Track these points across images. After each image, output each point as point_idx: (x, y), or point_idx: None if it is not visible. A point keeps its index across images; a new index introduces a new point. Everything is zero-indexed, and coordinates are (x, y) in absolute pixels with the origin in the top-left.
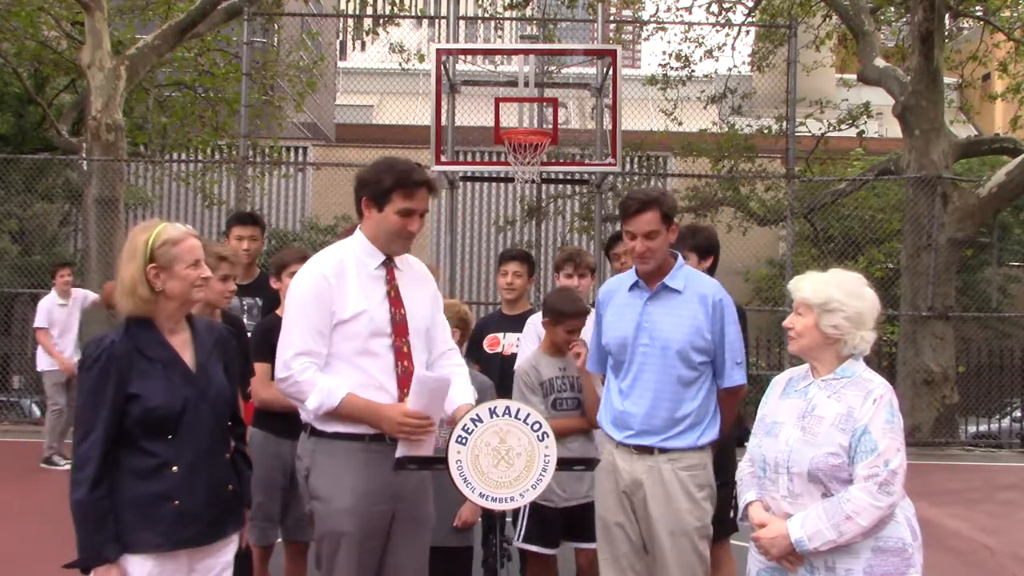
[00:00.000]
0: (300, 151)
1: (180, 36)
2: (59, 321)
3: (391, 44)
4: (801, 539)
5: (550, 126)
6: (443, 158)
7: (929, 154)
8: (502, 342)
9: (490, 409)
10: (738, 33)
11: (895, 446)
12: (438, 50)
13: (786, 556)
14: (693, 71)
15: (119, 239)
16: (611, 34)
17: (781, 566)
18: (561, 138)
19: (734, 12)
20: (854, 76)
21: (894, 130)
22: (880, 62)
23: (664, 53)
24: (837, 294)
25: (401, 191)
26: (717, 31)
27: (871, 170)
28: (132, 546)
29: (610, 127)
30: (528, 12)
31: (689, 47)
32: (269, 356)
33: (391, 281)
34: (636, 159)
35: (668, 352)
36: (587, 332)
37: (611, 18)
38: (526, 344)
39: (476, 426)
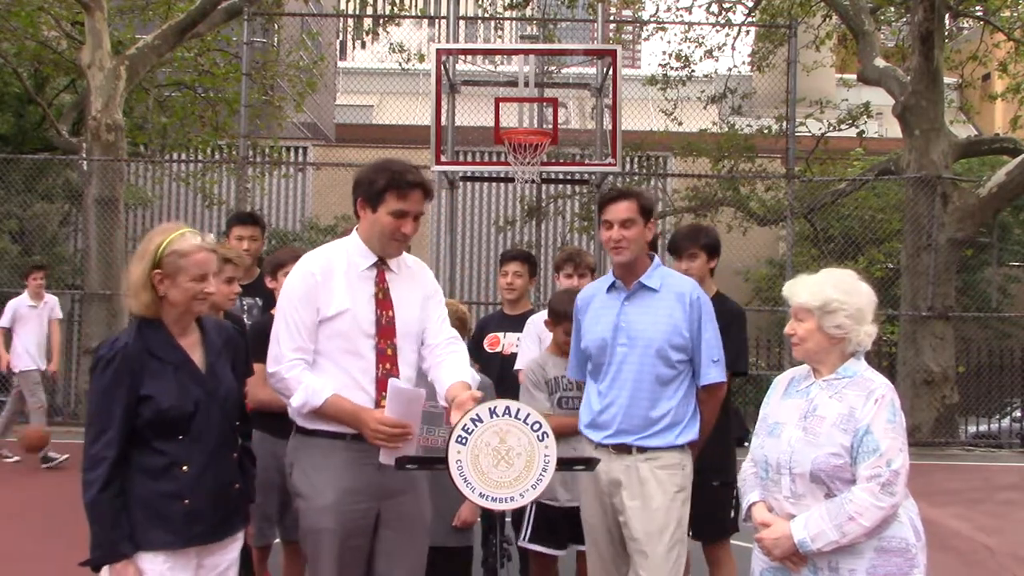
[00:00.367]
0: (300, 151)
1: (180, 36)
2: (25, 321)
3: (391, 44)
4: (804, 540)
5: (550, 126)
6: (443, 158)
7: (929, 154)
8: (502, 342)
9: (490, 409)
10: (738, 33)
11: (897, 446)
12: (438, 50)
13: (789, 557)
14: (693, 71)
15: (119, 239)
16: (611, 34)
17: (785, 566)
18: (561, 138)
19: (734, 12)
20: (854, 76)
21: (894, 130)
22: (880, 62)
23: (664, 53)
24: (835, 293)
25: (394, 192)
26: (717, 31)
27: (871, 170)
28: (144, 544)
29: (610, 127)
30: (528, 12)
31: (689, 47)
32: (265, 356)
33: (380, 283)
34: (636, 159)
35: (646, 351)
36: None
37: (611, 18)
38: (526, 344)
39: (476, 426)
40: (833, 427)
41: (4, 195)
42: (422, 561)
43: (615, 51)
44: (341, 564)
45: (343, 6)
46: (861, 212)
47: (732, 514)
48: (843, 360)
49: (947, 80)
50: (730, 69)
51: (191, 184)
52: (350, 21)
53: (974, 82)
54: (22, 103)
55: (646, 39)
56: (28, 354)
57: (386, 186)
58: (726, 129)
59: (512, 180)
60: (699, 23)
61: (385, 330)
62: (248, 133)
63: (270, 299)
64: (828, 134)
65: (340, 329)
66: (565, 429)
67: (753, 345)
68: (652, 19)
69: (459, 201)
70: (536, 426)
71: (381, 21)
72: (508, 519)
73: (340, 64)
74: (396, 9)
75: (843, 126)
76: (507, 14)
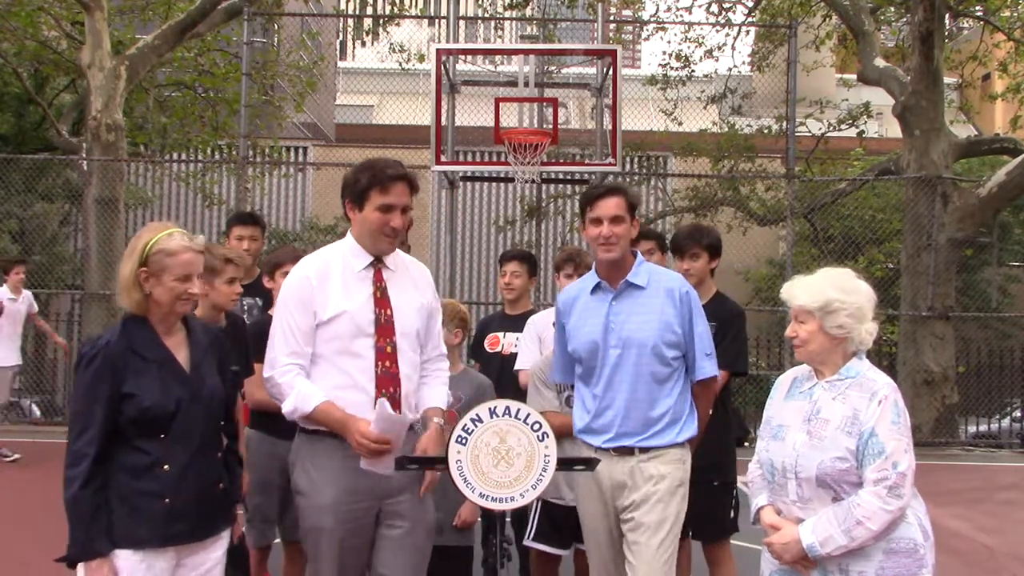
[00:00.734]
0: (300, 151)
1: (180, 36)
2: (8, 314)
3: (391, 44)
4: (813, 545)
5: (550, 126)
6: (443, 158)
7: (929, 154)
8: (502, 341)
9: (490, 409)
10: (738, 33)
11: (903, 447)
12: (438, 50)
13: (799, 561)
14: (693, 71)
15: (119, 239)
16: (611, 34)
17: (795, 570)
18: (561, 138)
19: (734, 12)
20: (854, 76)
21: (894, 130)
22: (880, 62)
23: (664, 53)
24: (835, 293)
25: (377, 188)
26: (717, 31)
27: (871, 170)
28: (121, 542)
29: (610, 127)
30: (528, 12)
31: (689, 47)
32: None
33: (378, 282)
34: (636, 159)
35: (639, 351)
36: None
37: (611, 18)
38: (526, 344)
39: (476, 426)
40: (838, 430)
41: (4, 195)
42: (423, 561)
43: (615, 51)
44: (341, 563)
45: (343, 6)
46: (861, 212)
47: (732, 514)
48: (845, 360)
49: (947, 80)
50: (730, 69)
51: (191, 184)
52: (350, 21)
53: (974, 82)
54: (22, 103)
55: (646, 39)
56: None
57: (368, 183)
58: (726, 129)
59: (512, 180)
60: (699, 23)
61: (384, 328)
62: (248, 133)
63: (270, 299)
64: (828, 134)
65: (338, 331)
66: (570, 428)
67: (753, 345)
68: (652, 19)
69: (459, 201)
70: (536, 426)
71: (381, 21)
72: (508, 519)
73: (340, 64)
74: (396, 9)
75: (843, 126)
76: (507, 14)
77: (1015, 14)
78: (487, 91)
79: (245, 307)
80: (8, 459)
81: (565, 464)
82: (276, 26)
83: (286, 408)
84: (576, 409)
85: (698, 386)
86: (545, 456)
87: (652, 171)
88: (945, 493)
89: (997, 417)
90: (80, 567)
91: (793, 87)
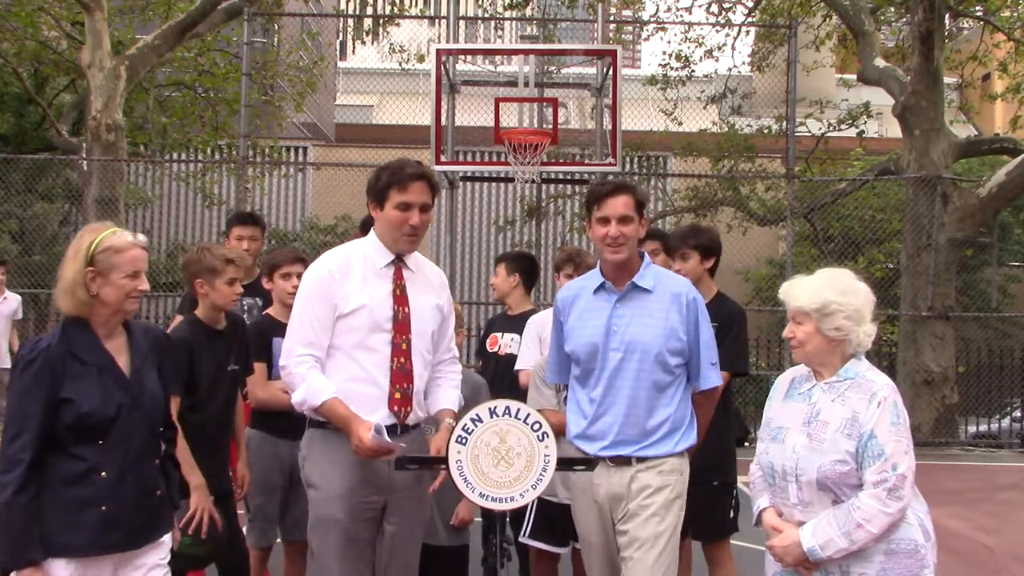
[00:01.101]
0: (300, 151)
1: (180, 36)
2: None
3: (391, 44)
4: (813, 548)
5: (550, 126)
6: (443, 158)
7: (929, 154)
8: (499, 341)
9: (490, 409)
10: (738, 33)
11: (902, 448)
12: (438, 50)
13: (800, 563)
14: (693, 71)
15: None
16: (611, 34)
17: (797, 572)
18: (561, 138)
19: (734, 12)
20: (854, 76)
21: (894, 130)
22: (880, 62)
23: (664, 53)
24: (832, 295)
25: (396, 186)
26: (717, 31)
27: (871, 170)
28: (57, 550)
29: (610, 127)
30: (528, 12)
31: (689, 47)
32: (264, 356)
33: (398, 280)
34: (636, 159)
35: (642, 357)
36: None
37: (611, 18)
38: (526, 344)
39: (476, 426)
40: (837, 433)
41: (4, 195)
42: (416, 558)
43: (615, 51)
44: (346, 556)
45: (343, 6)
46: (861, 212)
47: (732, 514)
48: (844, 361)
49: (947, 80)
50: (730, 69)
51: (191, 184)
52: (350, 21)
53: (974, 82)
54: (22, 103)
55: (646, 39)
56: None
57: (388, 182)
58: (726, 129)
59: (512, 180)
60: (699, 23)
61: (401, 325)
62: (248, 133)
63: (270, 299)
64: (828, 134)
65: (357, 324)
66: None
67: (753, 345)
68: (652, 19)
69: (459, 201)
70: (536, 426)
71: (381, 21)
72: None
73: (340, 64)
74: (396, 9)
75: (843, 126)
76: (507, 14)
77: (1015, 14)
78: (487, 91)
79: (245, 307)
80: None
81: (565, 464)
82: (276, 26)
83: (295, 399)
84: (570, 413)
85: (700, 395)
86: (545, 456)
87: (652, 171)
88: (945, 493)
89: (997, 417)
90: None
91: (793, 87)
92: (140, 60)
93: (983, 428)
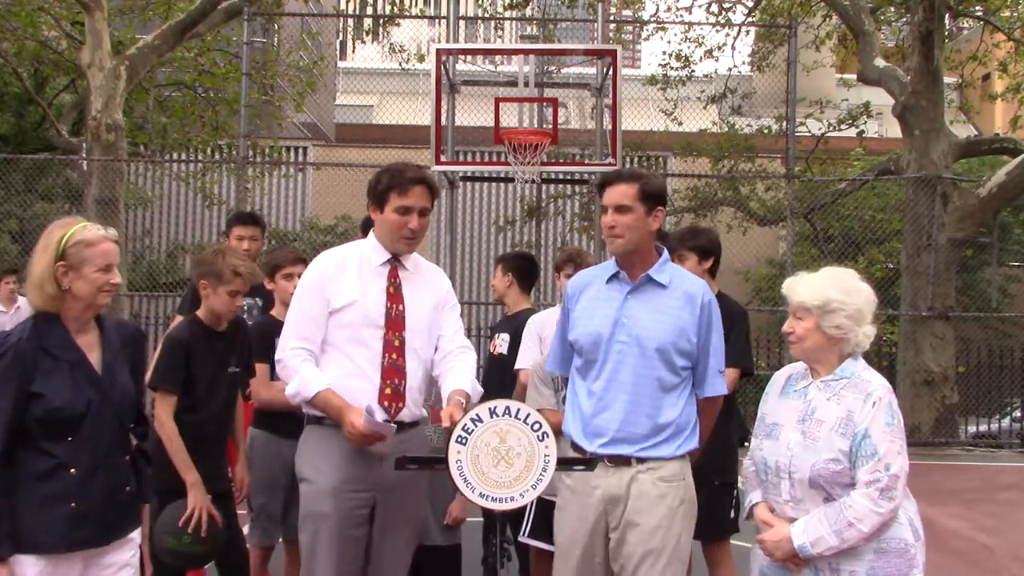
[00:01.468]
0: (300, 151)
1: (180, 36)
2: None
3: (391, 44)
4: (804, 545)
5: (550, 126)
6: (443, 158)
7: (929, 154)
8: (496, 341)
9: (490, 409)
10: (738, 33)
11: (896, 449)
12: (438, 50)
13: (790, 559)
14: (693, 71)
15: (120, 239)
16: (611, 34)
17: (785, 567)
18: (561, 138)
19: (734, 12)
20: (854, 76)
21: (894, 130)
22: (880, 62)
23: (664, 53)
24: (835, 293)
25: (396, 190)
26: (717, 31)
27: (871, 170)
28: (26, 547)
29: (610, 127)
30: (528, 12)
31: (689, 47)
32: (266, 356)
33: (393, 278)
34: (636, 159)
35: (649, 352)
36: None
37: (611, 18)
38: (526, 344)
39: (476, 426)
40: (832, 431)
41: (4, 195)
42: (407, 557)
43: (615, 51)
44: (338, 552)
45: (343, 6)
46: (861, 212)
47: (732, 514)
48: (841, 360)
49: (947, 80)
50: (730, 69)
51: (191, 184)
52: (350, 21)
53: (974, 82)
54: (22, 103)
55: (646, 39)
56: None
57: (388, 186)
58: (726, 129)
59: (512, 180)
60: (699, 23)
61: (394, 322)
62: (248, 133)
63: (270, 300)
64: (828, 134)
65: (349, 320)
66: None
67: (753, 345)
68: (652, 19)
69: (459, 201)
70: (536, 426)
71: (381, 22)
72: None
73: (340, 64)
74: (396, 9)
75: (843, 126)
76: (507, 14)
77: (1015, 14)
78: (487, 91)
79: (245, 307)
80: None
81: (565, 464)
82: (276, 26)
83: (289, 391)
84: (569, 406)
85: (703, 402)
86: (545, 456)
87: (652, 171)
88: (945, 493)
89: (997, 417)
90: None
91: (793, 87)
92: (140, 60)
93: (983, 428)
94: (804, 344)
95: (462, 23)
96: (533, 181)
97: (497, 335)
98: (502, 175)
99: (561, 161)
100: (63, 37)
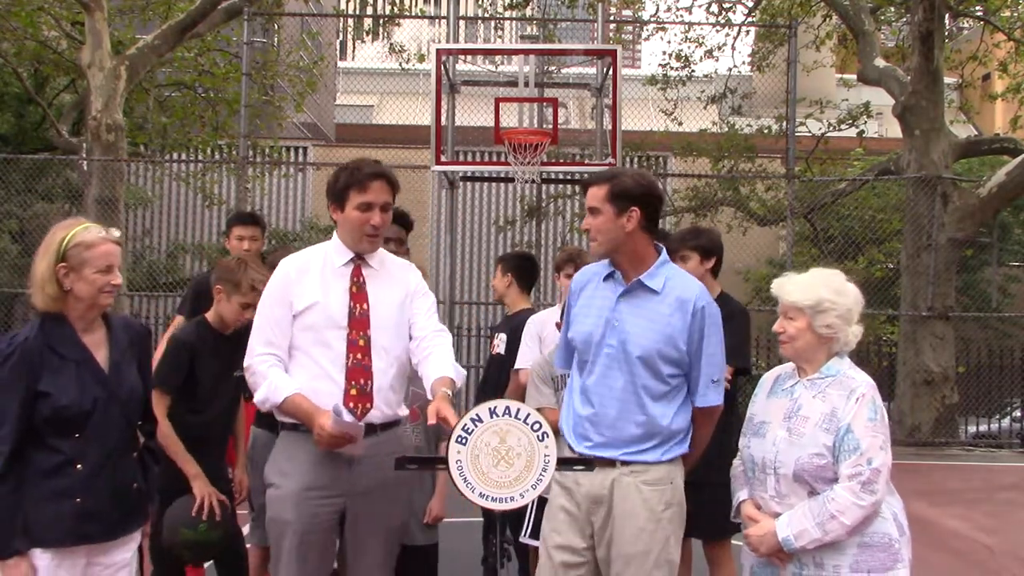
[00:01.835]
0: (300, 151)
1: (180, 36)
2: None
3: (391, 44)
4: (788, 538)
5: (550, 126)
6: (443, 158)
7: (929, 154)
8: (495, 340)
9: (490, 409)
10: (738, 33)
11: (878, 444)
12: (438, 50)
13: (775, 553)
14: (693, 71)
15: (120, 239)
16: (611, 34)
17: (771, 562)
18: (561, 138)
19: (734, 12)
20: (854, 76)
21: (894, 130)
22: (880, 62)
23: (664, 53)
24: (827, 293)
25: (356, 187)
26: (717, 31)
27: (871, 170)
28: (33, 540)
29: (610, 127)
30: (528, 12)
31: (689, 47)
32: None
33: (356, 278)
34: (636, 159)
35: (634, 359)
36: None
37: (611, 18)
38: (525, 343)
39: (476, 426)
40: (816, 427)
41: (4, 195)
42: (388, 562)
43: (615, 51)
44: (300, 557)
45: (343, 6)
46: (861, 212)
47: (732, 514)
48: (828, 359)
49: (947, 80)
50: (730, 69)
51: (191, 184)
52: (350, 21)
53: (974, 82)
54: (22, 103)
55: (646, 39)
56: None
57: (346, 183)
58: (726, 129)
59: (512, 180)
60: (699, 23)
61: (358, 322)
62: (248, 133)
63: None
64: (828, 134)
65: (311, 322)
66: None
67: (753, 345)
68: (652, 19)
69: (459, 201)
70: (536, 426)
71: (382, 22)
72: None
73: (340, 64)
74: (396, 9)
75: (843, 126)
76: (507, 14)
77: (1015, 14)
78: (487, 91)
79: None
80: None
81: (565, 464)
82: (276, 26)
83: (258, 397)
84: (565, 403)
85: (698, 412)
86: (545, 456)
87: (652, 171)
88: (945, 493)
89: (997, 417)
90: None
91: (793, 87)
92: (140, 60)
93: (983, 428)
94: (795, 344)
95: (462, 23)
96: (533, 181)
97: (496, 335)
98: (502, 175)
99: (561, 161)
100: (63, 37)
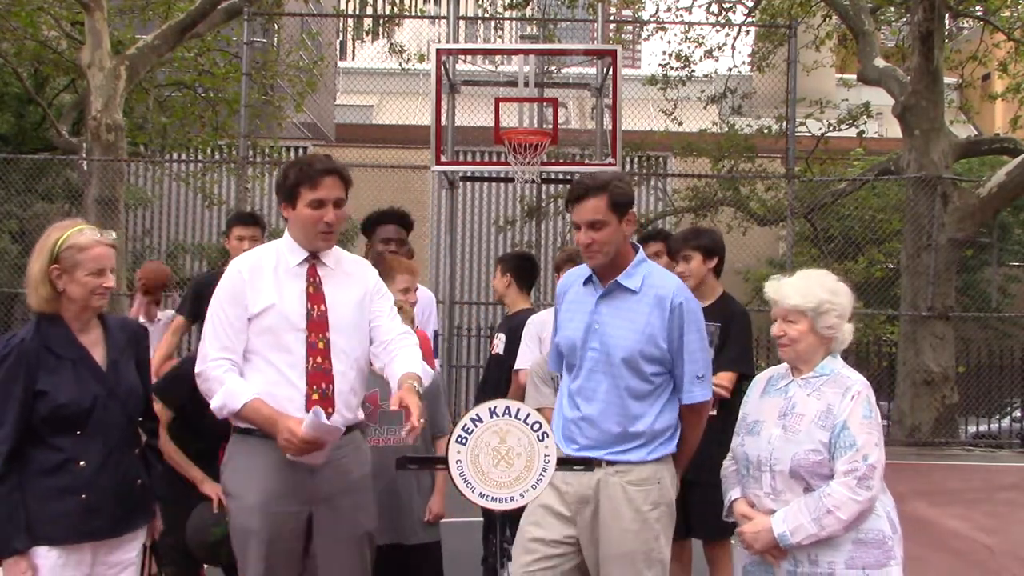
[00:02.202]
0: (300, 151)
1: (180, 36)
2: None
3: (391, 44)
4: (784, 534)
5: (550, 126)
6: (443, 158)
7: (929, 154)
8: (495, 340)
9: (490, 409)
10: (738, 33)
11: (873, 441)
12: (438, 50)
13: (770, 550)
14: (693, 71)
15: (119, 239)
16: (611, 34)
17: (765, 560)
18: (561, 138)
19: (734, 12)
20: (854, 76)
21: (894, 130)
22: (880, 62)
23: (664, 53)
24: (825, 295)
25: (306, 184)
26: (717, 31)
27: (871, 170)
28: (39, 538)
29: (610, 127)
30: (528, 12)
31: (689, 47)
32: None
33: (312, 278)
34: (636, 159)
35: (617, 361)
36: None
37: (611, 18)
38: (525, 343)
39: (476, 426)
40: (812, 424)
41: (4, 195)
42: (361, 566)
43: (615, 51)
44: (268, 566)
45: (343, 6)
46: (861, 212)
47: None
48: (823, 358)
49: (947, 80)
50: (730, 69)
51: (191, 184)
52: (350, 21)
53: (974, 82)
54: (22, 103)
55: (646, 39)
56: None
57: (296, 180)
58: (726, 129)
59: (512, 180)
60: (699, 23)
61: (316, 324)
62: (248, 133)
63: None
64: (828, 134)
65: (268, 325)
66: None
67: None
68: (652, 19)
69: (459, 201)
70: (536, 426)
71: (382, 22)
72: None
73: (340, 64)
74: (396, 9)
75: (843, 126)
76: (507, 14)
77: (1015, 14)
78: (487, 91)
79: None
80: None
81: (565, 464)
82: (276, 26)
83: (215, 404)
84: (556, 405)
85: (686, 409)
86: (545, 456)
87: (652, 171)
88: (945, 493)
89: (997, 417)
90: None
91: (793, 87)
92: (140, 60)
93: (983, 428)
94: (798, 347)
95: (462, 23)
96: (533, 181)
97: (496, 335)
98: (502, 175)
99: (561, 161)
100: (63, 37)
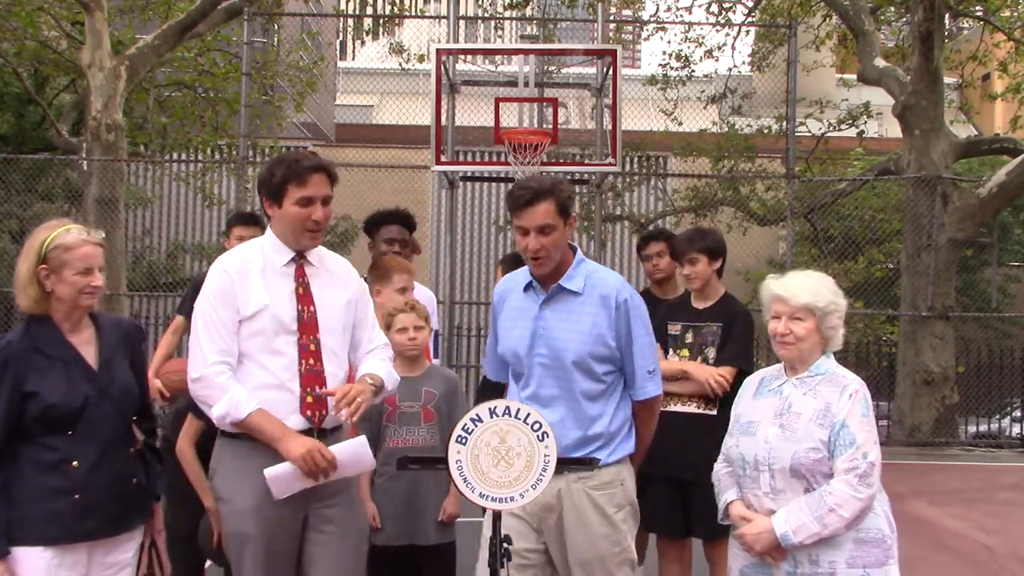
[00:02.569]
0: (300, 151)
1: (180, 36)
2: None
3: (391, 44)
4: (786, 533)
5: (550, 126)
6: (443, 158)
7: (929, 154)
8: None
9: (490, 409)
10: (738, 33)
11: (872, 439)
12: (438, 50)
13: (770, 551)
14: (693, 71)
15: (119, 239)
16: (611, 34)
17: (764, 562)
18: (561, 138)
19: (734, 12)
20: (854, 76)
21: (894, 130)
22: (880, 62)
23: (664, 53)
24: (831, 295)
25: (294, 181)
26: (717, 31)
27: (871, 170)
28: (30, 539)
29: (610, 127)
30: (528, 12)
31: (689, 47)
32: None
33: (300, 278)
34: (636, 159)
35: (567, 365)
36: None
37: (611, 18)
38: None
39: (476, 426)
40: (810, 422)
41: (4, 195)
42: (356, 567)
43: (615, 51)
44: (267, 569)
45: (343, 6)
46: (861, 212)
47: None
48: (819, 358)
49: (947, 80)
50: (730, 69)
51: (191, 184)
52: (350, 21)
53: (974, 82)
54: (22, 103)
55: (646, 39)
56: None
57: (284, 178)
58: (726, 129)
59: (512, 180)
60: (699, 23)
61: (307, 325)
62: (248, 133)
63: None
64: (828, 134)
65: (260, 327)
66: None
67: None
68: (652, 19)
69: (459, 201)
70: (536, 426)
71: (382, 22)
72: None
73: (340, 64)
74: (396, 9)
75: (843, 126)
76: (507, 14)
77: (1015, 14)
78: (487, 91)
79: None
80: None
81: (565, 464)
82: (276, 26)
83: (216, 413)
84: None
85: (639, 405)
86: (545, 456)
87: (652, 171)
88: (945, 493)
89: (997, 417)
90: None
91: (793, 87)
92: (140, 60)
93: (983, 428)
94: (802, 345)
95: (462, 23)
96: None
97: None
98: (502, 175)
99: (561, 161)
100: (63, 37)
